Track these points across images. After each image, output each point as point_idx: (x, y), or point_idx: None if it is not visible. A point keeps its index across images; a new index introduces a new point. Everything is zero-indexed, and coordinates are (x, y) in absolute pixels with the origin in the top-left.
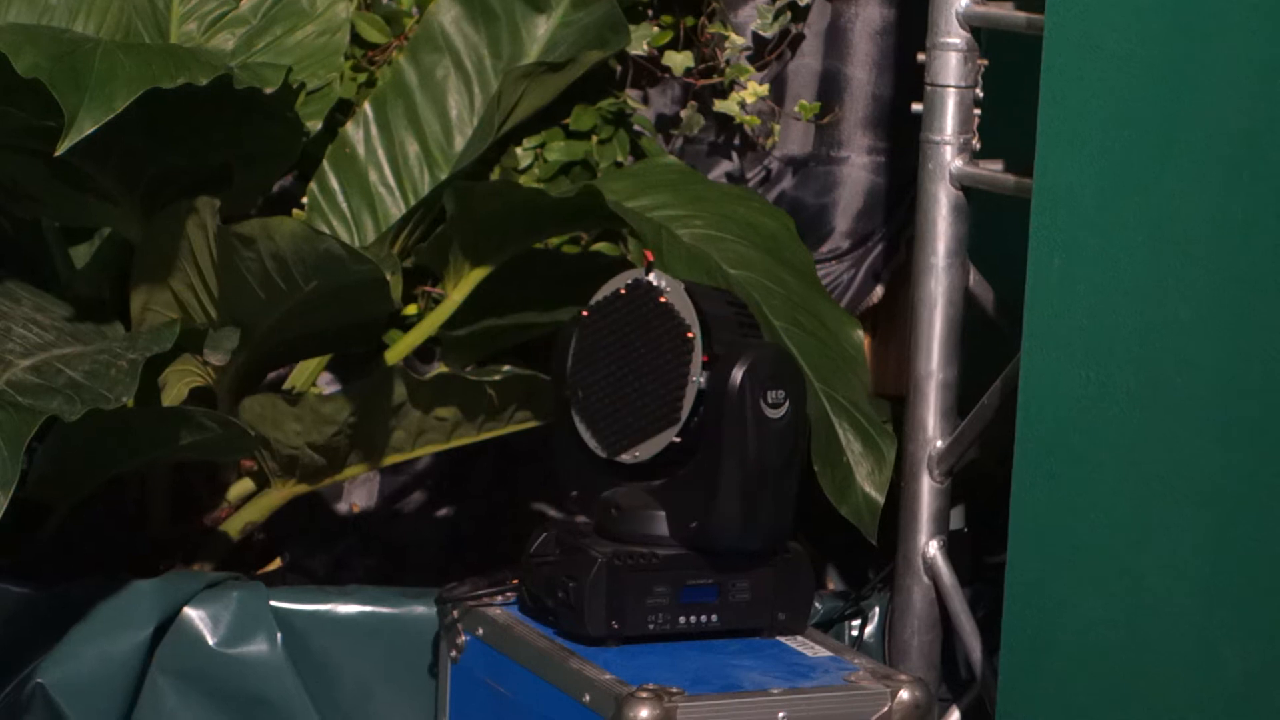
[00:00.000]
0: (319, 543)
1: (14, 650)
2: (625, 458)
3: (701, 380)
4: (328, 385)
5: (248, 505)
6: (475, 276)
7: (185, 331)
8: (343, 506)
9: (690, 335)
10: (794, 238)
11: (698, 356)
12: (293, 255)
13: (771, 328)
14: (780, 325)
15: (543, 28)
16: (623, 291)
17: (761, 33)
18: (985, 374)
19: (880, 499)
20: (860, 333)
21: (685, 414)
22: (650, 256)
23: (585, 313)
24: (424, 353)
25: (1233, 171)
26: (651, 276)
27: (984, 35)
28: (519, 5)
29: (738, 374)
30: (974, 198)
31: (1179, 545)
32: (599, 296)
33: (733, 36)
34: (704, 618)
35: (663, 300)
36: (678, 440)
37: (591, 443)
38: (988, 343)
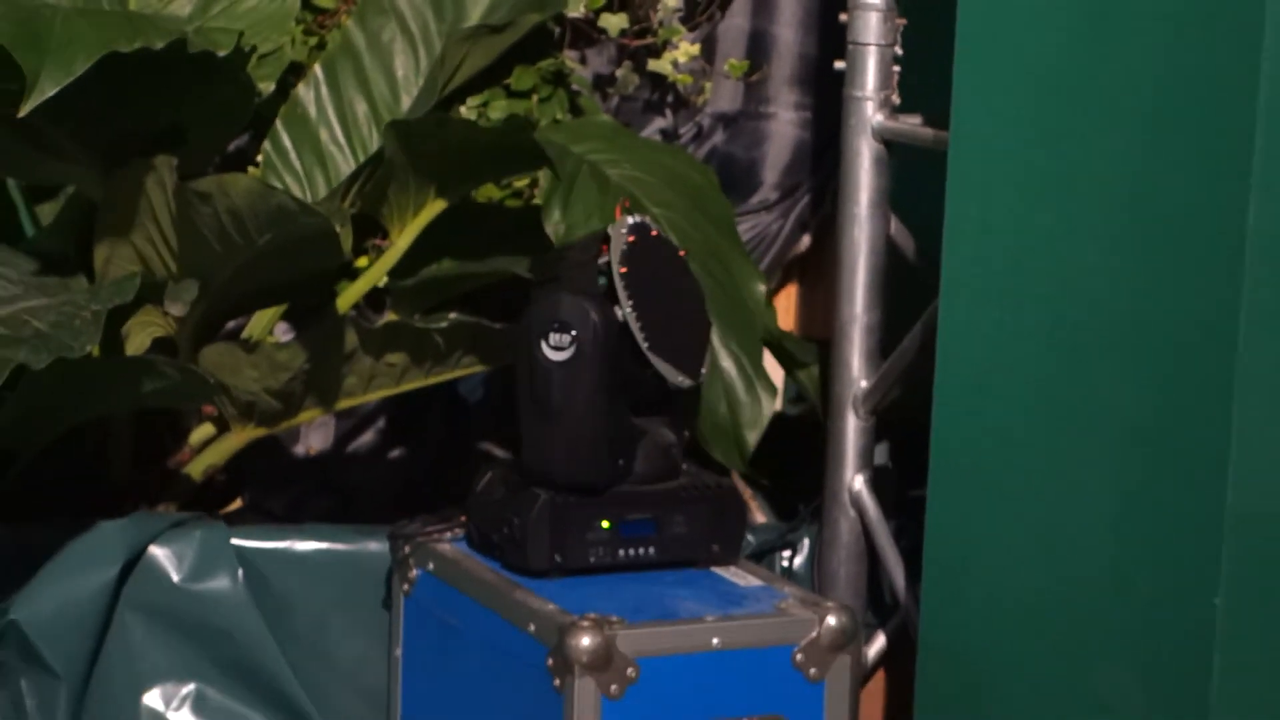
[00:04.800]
0: (277, 484)
1: None
2: (699, 379)
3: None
4: (284, 334)
5: (209, 449)
6: (419, 223)
7: (146, 284)
8: (300, 449)
9: (684, 254)
10: (717, 191)
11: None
12: (248, 210)
13: None
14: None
15: None
16: (630, 238)
17: None
18: (907, 317)
19: (752, 444)
20: (763, 287)
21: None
22: (627, 203)
23: (620, 270)
24: (376, 303)
25: (1144, 121)
26: (635, 219)
27: None
28: None
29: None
30: (895, 150)
31: (1090, 477)
32: (613, 253)
33: None
34: (642, 550)
35: (655, 234)
36: None
37: (676, 377)
38: (909, 288)
